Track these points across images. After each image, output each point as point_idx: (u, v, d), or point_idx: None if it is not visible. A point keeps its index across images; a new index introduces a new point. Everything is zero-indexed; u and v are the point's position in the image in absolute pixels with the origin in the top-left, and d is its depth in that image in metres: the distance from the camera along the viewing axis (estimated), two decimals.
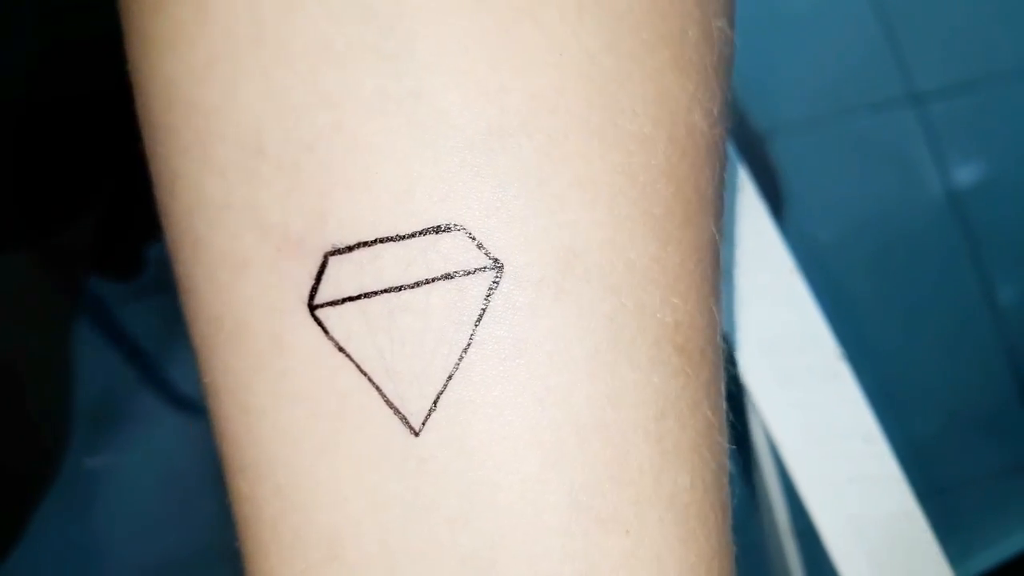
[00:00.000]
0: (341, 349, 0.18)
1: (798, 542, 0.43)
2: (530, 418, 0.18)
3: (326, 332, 0.18)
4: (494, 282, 0.18)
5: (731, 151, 0.40)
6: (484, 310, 0.18)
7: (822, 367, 0.39)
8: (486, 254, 0.18)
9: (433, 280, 0.18)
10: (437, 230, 0.18)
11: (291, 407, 0.18)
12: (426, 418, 0.18)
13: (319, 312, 0.18)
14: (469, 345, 0.18)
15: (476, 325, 0.18)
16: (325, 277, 0.18)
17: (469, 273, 0.18)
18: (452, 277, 0.18)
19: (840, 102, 0.96)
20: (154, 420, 0.55)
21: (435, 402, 0.18)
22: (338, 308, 0.18)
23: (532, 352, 0.18)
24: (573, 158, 0.18)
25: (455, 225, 0.18)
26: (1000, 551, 0.81)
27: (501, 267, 0.18)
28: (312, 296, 0.18)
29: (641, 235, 0.18)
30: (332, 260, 0.18)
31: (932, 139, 0.96)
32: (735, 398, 0.42)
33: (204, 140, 0.18)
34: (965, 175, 0.97)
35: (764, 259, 0.39)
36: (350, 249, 0.18)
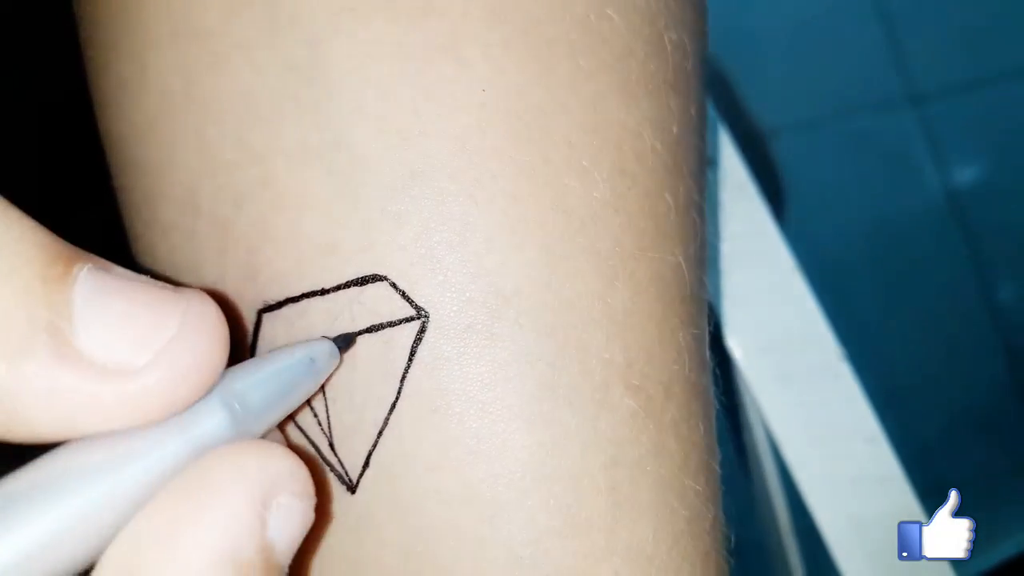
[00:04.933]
0: None
1: (798, 541, 0.43)
2: (463, 472, 0.17)
3: None
4: (420, 332, 0.17)
5: (733, 151, 0.40)
6: (411, 362, 0.17)
7: (823, 367, 0.39)
8: (411, 303, 0.17)
9: (359, 333, 0.17)
10: (361, 282, 0.17)
11: None
12: (360, 475, 0.17)
13: None
14: (398, 399, 0.17)
15: (404, 378, 0.17)
16: (260, 335, 0.18)
17: (394, 324, 0.17)
18: (378, 329, 0.17)
19: (841, 102, 0.96)
20: None
21: (367, 459, 0.17)
22: None
23: (462, 403, 0.17)
24: (500, 199, 0.17)
25: (379, 276, 0.17)
26: (1001, 551, 0.81)
27: (427, 316, 0.17)
28: (252, 354, 0.18)
29: (581, 273, 0.17)
30: (265, 317, 0.18)
31: (932, 139, 0.96)
32: (734, 399, 0.42)
33: (150, 201, 0.18)
34: (965, 175, 0.97)
35: (765, 259, 0.39)
36: (280, 305, 0.17)
